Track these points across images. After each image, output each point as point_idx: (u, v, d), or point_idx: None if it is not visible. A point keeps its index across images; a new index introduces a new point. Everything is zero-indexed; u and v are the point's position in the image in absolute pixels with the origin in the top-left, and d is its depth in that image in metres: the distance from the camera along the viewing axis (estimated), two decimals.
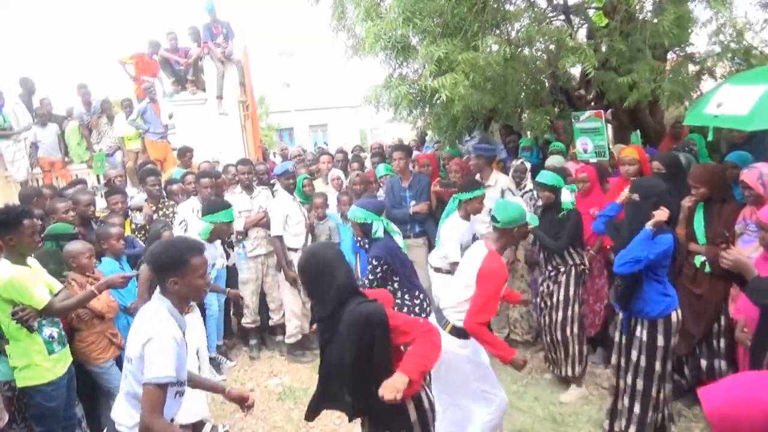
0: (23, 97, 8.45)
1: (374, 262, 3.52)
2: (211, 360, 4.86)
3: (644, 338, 3.03)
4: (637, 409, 3.12)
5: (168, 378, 2.03)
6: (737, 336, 2.88)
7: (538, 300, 4.28)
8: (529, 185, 4.94)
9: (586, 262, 4.06)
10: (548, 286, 4.13)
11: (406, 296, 3.59)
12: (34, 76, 8.65)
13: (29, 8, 56.92)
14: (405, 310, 3.55)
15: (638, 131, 5.69)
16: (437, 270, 4.35)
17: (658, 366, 3.03)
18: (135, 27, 45.73)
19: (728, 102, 3.46)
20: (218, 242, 4.39)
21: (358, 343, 2.09)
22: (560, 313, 4.02)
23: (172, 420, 2.25)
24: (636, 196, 3.08)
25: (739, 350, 3.24)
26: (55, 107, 8.62)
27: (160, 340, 2.07)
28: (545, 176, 4.04)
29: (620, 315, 3.21)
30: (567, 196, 4.11)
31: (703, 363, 3.53)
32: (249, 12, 46.54)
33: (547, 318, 4.14)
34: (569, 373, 4.06)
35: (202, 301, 2.32)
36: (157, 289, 2.26)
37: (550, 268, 4.12)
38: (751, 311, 2.59)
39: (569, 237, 3.92)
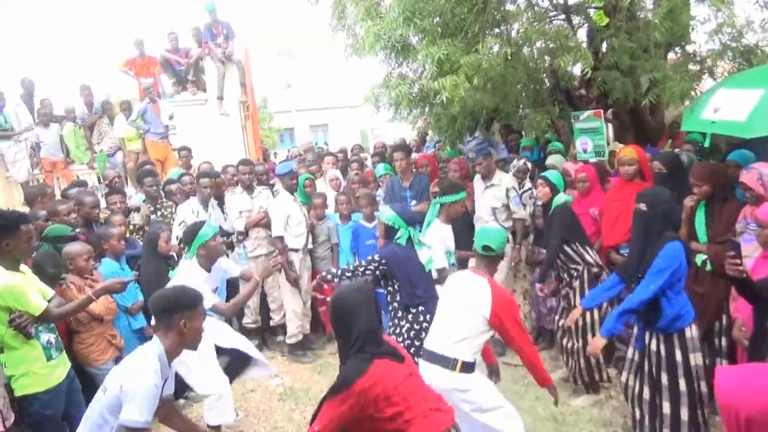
0: (24, 97, 8.47)
1: (375, 258, 3.55)
2: None
3: (662, 353, 2.96)
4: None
5: (142, 423, 2.18)
6: (734, 335, 2.88)
7: (560, 304, 4.15)
8: (529, 184, 4.93)
9: (599, 261, 3.93)
10: (568, 293, 4.01)
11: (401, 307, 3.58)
12: (36, 77, 8.68)
13: (30, 8, 57.01)
14: (399, 316, 3.56)
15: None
16: None
17: (682, 384, 2.94)
18: (136, 27, 45.81)
19: (725, 107, 3.43)
20: (222, 261, 3.96)
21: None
22: (579, 320, 3.80)
23: None
24: (643, 206, 3.03)
25: (738, 349, 3.23)
26: (56, 108, 8.62)
27: (140, 385, 2.18)
28: (552, 174, 4.10)
29: (635, 330, 3.16)
30: (560, 197, 4.13)
31: (705, 362, 3.53)
32: (249, 12, 46.58)
33: (564, 322, 3.97)
34: (586, 380, 3.93)
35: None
36: (154, 338, 2.35)
37: (565, 275, 4.01)
38: (750, 311, 2.59)
39: (558, 234, 3.87)
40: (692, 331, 2.93)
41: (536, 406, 3.95)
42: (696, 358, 2.93)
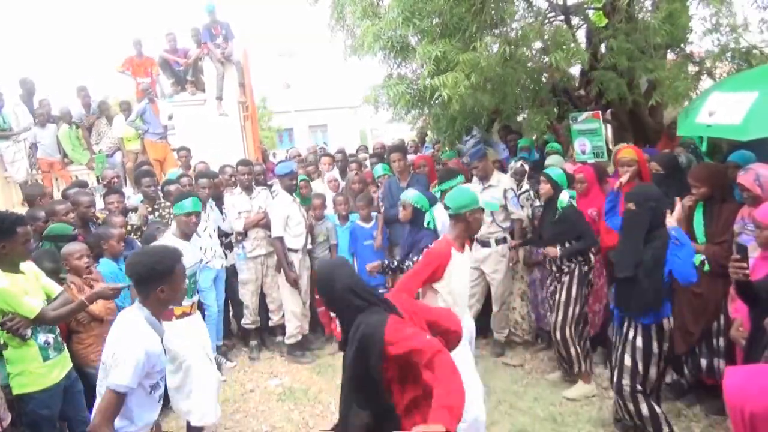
0: (23, 97, 8.46)
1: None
2: None
3: (639, 344, 3.09)
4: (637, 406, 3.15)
5: (124, 387, 2.13)
6: (732, 335, 2.89)
7: (545, 300, 4.29)
8: (526, 186, 4.93)
9: (592, 260, 4.06)
10: (555, 287, 4.13)
11: None
12: (34, 78, 8.67)
13: (29, 9, 56.97)
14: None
15: None
16: None
17: (652, 371, 3.12)
18: (134, 28, 45.77)
19: (719, 110, 3.44)
20: (195, 239, 4.02)
21: (355, 361, 2.09)
22: (560, 314, 4.02)
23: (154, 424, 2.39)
24: (632, 206, 3.09)
25: (737, 348, 3.24)
26: (54, 108, 8.61)
27: (126, 350, 2.16)
28: (554, 171, 4.13)
29: (614, 314, 3.27)
30: (564, 197, 4.13)
31: (703, 362, 3.54)
32: (249, 13, 46.58)
33: (552, 317, 4.14)
34: (568, 369, 4.10)
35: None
36: (137, 299, 2.32)
37: (554, 268, 4.11)
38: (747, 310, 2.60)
39: (586, 232, 3.96)
40: (670, 323, 3.10)
41: (534, 406, 3.95)
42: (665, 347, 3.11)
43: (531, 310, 4.85)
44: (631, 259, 3.06)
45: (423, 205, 3.70)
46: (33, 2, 53.24)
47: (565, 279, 4.02)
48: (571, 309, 3.99)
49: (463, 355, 2.97)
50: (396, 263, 3.79)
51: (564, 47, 4.26)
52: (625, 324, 3.19)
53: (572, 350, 3.99)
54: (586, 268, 4.01)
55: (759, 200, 3.00)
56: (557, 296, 4.06)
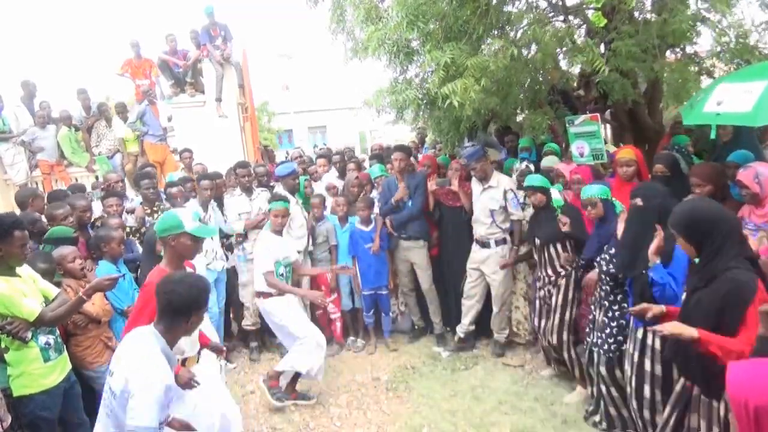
0: (24, 99, 8.47)
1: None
2: None
3: (658, 347, 2.92)
4: (647, 415, 3.01)
5: (151, 429, 2.09)
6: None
7: (537, 303, 4.29)
8: None
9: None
10: (548, 291, 4.13)
11: None
12: (35, 80, 8.68)
13: (29, 10, 56.98)
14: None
15: None
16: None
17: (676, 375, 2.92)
18: (133, 30, 45.77)
19: (728, 100, 3.45)
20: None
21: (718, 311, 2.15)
22: (557, 317, 4.03)
23: None
24: (638, 201, 3.04)
25: None
26: (54, 111, 8.62)
27: (148, 386, 2.09)
28: (533, 179, 4.19)
29: (632, 324, 3.13)
30: (556, 195, 4.15)
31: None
32: (248, 15, 46.64)
33: (543, 321, 4.17)
34: (575, 375, 4.05)
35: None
36: (151, 325, 2.26)
37: (550, 272, 4.11)
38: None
39: (584, 229, 3.93)
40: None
41: (535, 406, 3.95)
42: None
43: (532, 311, 4.84)
44: (637, 258, 2.95)
45: (605, 194, 3.60)
46: (33, 4, 53.27)
47: (562, 282, 4.03)
48: (568, 312, 4.00)
49: (211, 363, 3.05)
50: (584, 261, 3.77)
51: (583, 52, 4.24)
52: (641, 330, 3.02)
53: (566, 354, 4.01)
54: (581, 272, 3.98)
55: (758, 198, 3.02)
56: (554, 299, 4.06)
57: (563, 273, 4.03)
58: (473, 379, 4.47)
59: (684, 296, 2.37)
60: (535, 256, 4.30)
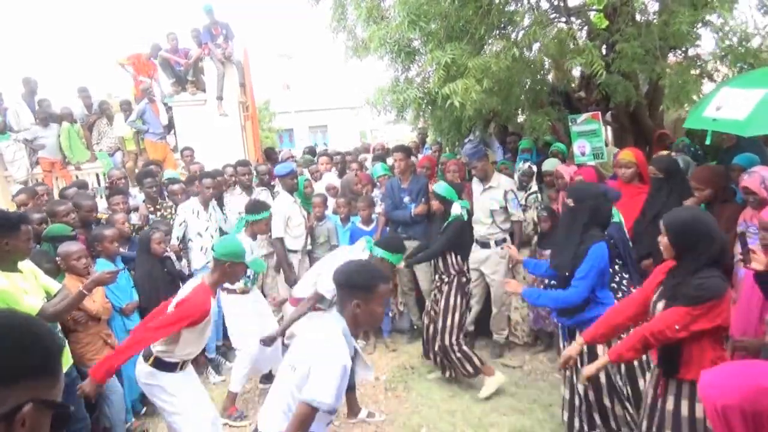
0: (26, 96, 8.46)
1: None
2: (210, 361, 4.85)
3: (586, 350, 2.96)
4: (597, 419, 3.10)
5: (327, 405, 1.98)
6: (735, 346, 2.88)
7: (427, 308, 4.48)
8: (535, 187, 4.94)
9: (468, 272, 4.37)
10: (435, 296, 4.35)
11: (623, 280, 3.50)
12: (36, 77, 8.67)
13: (30, 9, 56.99)
14: (620, 295, 3.42)
15: None
16: None
17: (602, 378, 3.01)
18: (135, 28, 45.78)
19: (727, 105, 3.45)
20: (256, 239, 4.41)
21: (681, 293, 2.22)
22: (440, 322, 4.17)
23: None
24: (570, 202, 3.03)
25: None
26: (55, 108, 8.62)
27: (332, 364, 2.02)
28: (441, 188, 4.32)
29: (558, 323, 3.23)
30: (456, 209, 4.26)
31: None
32: (248, 14, 46.63)
33: (432, 326, 4.30)
34: (463, 374, 4.19)
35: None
36: (334, 308, 2.23)
37: (436, 277, 4.35)
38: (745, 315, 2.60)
39: (446, 243, 4.20)
40: None
41: (534, 408, 3.95)
42: None
43: (530, 311, 4.85)
44: (569, 256, 2.96)
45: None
46: (33, 2, 53.27)
47: (445, 288, 4.24)
48: (451, 316, 4.16)
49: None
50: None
51: (582, 54, 4.24)
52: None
53: (454, 355, 4.12)
54: (465, 278, 4.28)
55: (764, 203, 2.99)
56: (440, 305, 4.24)
57: (446, 279, 4.25)
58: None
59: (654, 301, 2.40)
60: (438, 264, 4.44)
